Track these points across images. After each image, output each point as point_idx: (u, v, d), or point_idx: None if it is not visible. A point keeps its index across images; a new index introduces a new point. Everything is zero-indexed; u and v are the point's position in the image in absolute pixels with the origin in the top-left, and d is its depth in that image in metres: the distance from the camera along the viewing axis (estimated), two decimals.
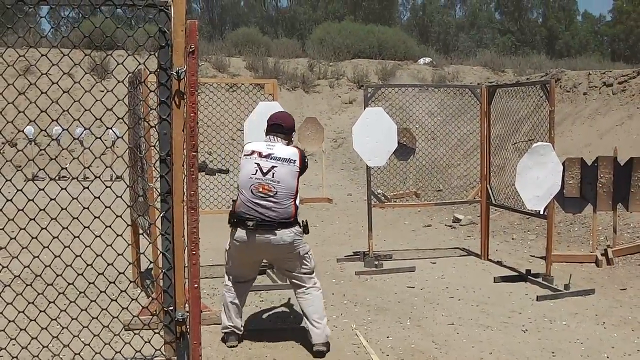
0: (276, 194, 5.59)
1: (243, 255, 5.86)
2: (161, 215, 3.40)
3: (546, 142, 8.03)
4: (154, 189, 5.03)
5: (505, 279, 8.43)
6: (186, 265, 3.39)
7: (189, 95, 3.25)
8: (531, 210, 8.29)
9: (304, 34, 46.10)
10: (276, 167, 5.63)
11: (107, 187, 3.50)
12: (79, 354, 3.95)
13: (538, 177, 7.69)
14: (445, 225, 12.42)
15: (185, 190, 3.36)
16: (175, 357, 3.52)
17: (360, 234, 11.04)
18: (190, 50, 3.24)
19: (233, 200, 5.93)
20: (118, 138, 14.45)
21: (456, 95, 14.88)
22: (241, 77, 25.01)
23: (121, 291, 3.85)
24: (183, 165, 3.36)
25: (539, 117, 9.41)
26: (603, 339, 6.35)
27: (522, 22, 68.99)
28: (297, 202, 5.77)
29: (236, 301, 6.01)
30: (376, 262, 9.01)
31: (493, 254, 9.79)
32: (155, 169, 3.71)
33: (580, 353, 5.99)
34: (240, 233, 5.66)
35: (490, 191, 9.57)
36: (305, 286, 5.91)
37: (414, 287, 8.13)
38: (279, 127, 5.92)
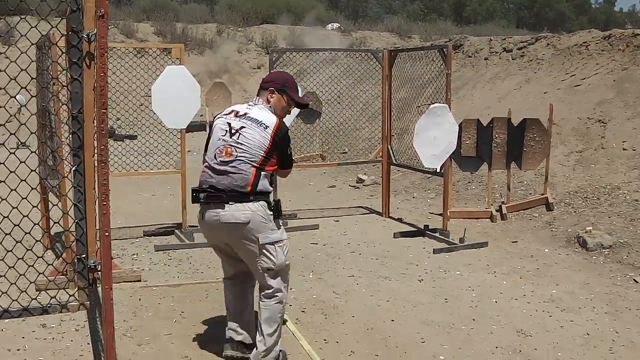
0: (236, 158, 4.42)
1: (208, 239, 4.91)
2: (73, 168, 3.57)
3: (445, 104, 8.42)
4: (66, 145, 5.14)
5: (405, 234, 8.83)
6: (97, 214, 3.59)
7: (98, 56, 3.39)
8: (429, 168, 8.68)
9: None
10: (245, 127, 4.49)
11: (11, 153, 3.63)
12: None
13: (435, 137, 8.06)
14: (350, 185, 12.78)
15: (95, 145, 3.54)
16: (88, 302, 3.72)
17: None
18: (100, 14, 3.38)
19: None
20: (22, 106, 14.25)
21: (362, 60, 15.13)
22: (148, 42, 24.77)
23: (27, 249, 3.92)
24: (93, 122, 3.54)
25: (441, 81, 9.78)
26: (493, 286, 6.80)
27: None
28: (265, 175, 4.44)
29: (230, 305, 4.99)
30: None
31: (394, 212, 10.19)
32: (67, 126, 3.86)
33: (471, 299, 6.42)
34: (199, 210, 4.61)
35: (390, 151, 9.94)
36: (264, 290, 4.66)
37: (317, 244, 8.45)
38: (266, 83, 4.75)
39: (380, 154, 10.23)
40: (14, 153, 3.62)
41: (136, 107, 10.62)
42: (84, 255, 3.64)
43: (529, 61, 15.25)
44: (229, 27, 28.54)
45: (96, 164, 3.51)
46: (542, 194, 9.82)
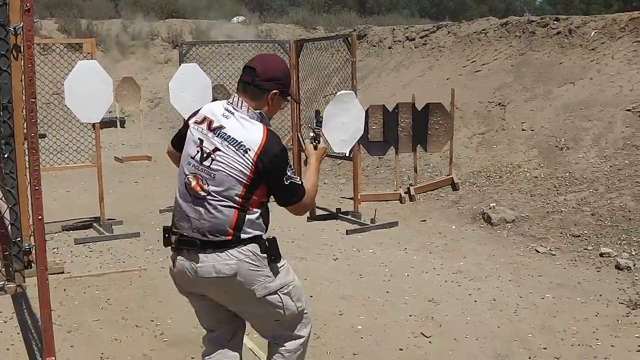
0: (208, 194, 3.23)
1: (179, 290, 3.58)
2: (5, 156, 3.72)
3: (351, 90, 8.74)
4: None
5: (318, 218, 9.13)
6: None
7: (26, 48, 3.53)
8: (338, 153, 8.98)
9: None
10: (219, 150, 3.24)
11: None
12: None
13: (343, 123, 8.36)
14: None
15: (25, 132, 3.69)
16: (25, 284, 3.88)
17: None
18: (26, 8, 3.53)
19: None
20: None
21: (270, 51, 15.39)
22: (57, 38, 24.42)
23: None
24: (23, 111, 3.70)
25: (347, 69, 10.10)
26: (404, 262, 7.16)
27: None
28: (251, 216, 3.24)
29: None
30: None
31: None
32: None
33: (384, 274, 6.76)
34: (173, 255, 3.42)
35: (300, 139, 10.21)
36: (278, 339, 3.58)
37: None
38: (252, 70, 3.31)
39: (291, 142, 10.50)
40: None
41: (44, 105, 10.63)
42: (19, 239, 3.78)
43: (431, 49, 15.77)
44: (134, 23, 28.33)
45: (27, 151, 3.67)
46: (448, 175, 10.27)
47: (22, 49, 3.59)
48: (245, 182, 3.20)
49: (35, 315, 5.33)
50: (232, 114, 3.30)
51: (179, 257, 3.34)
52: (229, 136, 3.24)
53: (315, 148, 3.63)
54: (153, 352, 5.06)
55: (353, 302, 5.95)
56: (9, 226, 3.77)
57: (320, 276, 6.66)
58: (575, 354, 4.98)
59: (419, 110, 9.94)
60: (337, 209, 9.32)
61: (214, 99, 11.33)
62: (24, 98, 3.65)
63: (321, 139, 3.69)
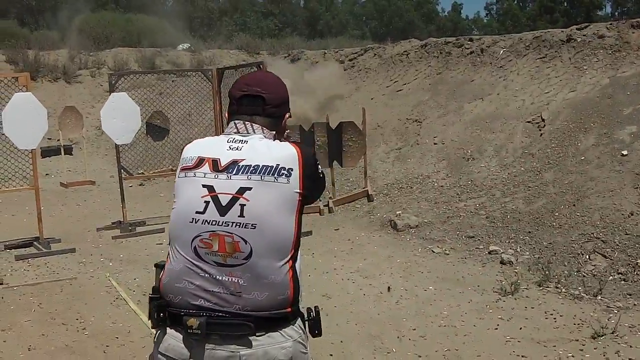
0: (250, 255, 2.44)
1: None
2: None
3: None
4: None
5: None
6: None
7: None
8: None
9: (66, 25, 45.79)
10: (250, 189, 2.48)
11: None
12: None
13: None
14: None
15: None
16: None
17: (118, 209, 12.10)
18: None
19: (156, 265, 2.72)
20: None
21: (194, 79, 16.11)
22: (1, 72, 24.97)
23: None
24: None
25: None
26: (309, 264, 7.90)
27: (283, 5, 71.48)
28: (299, 266, 2.59)
29: None
30: (130, 228, 10.18)
31: None
32: None
33: None
34: (173, 342, 2.52)
35: None
36: None
37: (162, 244, 9.34)
38: (257, 99, 2.69)
39: None
40: None
41: None
42: None
43: (358, 71, 16.66)
44: (81, 52, 28.92)
45: None
46: (364, 188, 11.07)
47: None
48: (295, 212, 2.52)
49: None
50: (245, 142, 2.59)
51: (208, 347, 2.45)
52: (258, 165, 2.50)
53: None
54: (74, 342, 5.87)
55: (333, 302, 6.71)
56: None
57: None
58: (440, 333, 5.82)
59: (333, 128, 10.76)
60: None
61: (151, 125, 12.19)
62: None
63: None
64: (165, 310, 2.53)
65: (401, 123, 13.02)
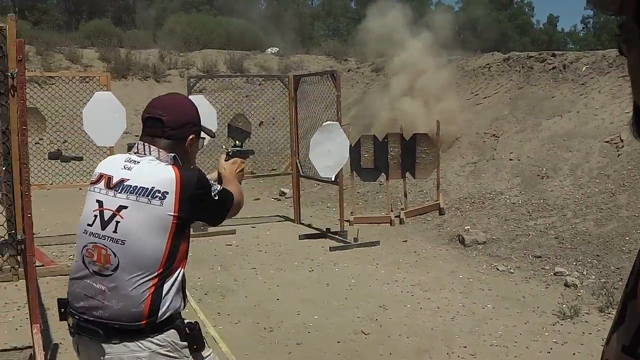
0: (117, 268, 2.67)
1: None
2: (3, 168, 4.80)
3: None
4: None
5: (309, 236, 10.03)
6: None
7: (19, 88, 4.70)
8: (325, 177, 9.88)
9: (160, 24, 46.87)
10: (126, 207, 2.71)
11: None
12: None
13: (329, 150, 9.28)
14: (273, 198, 13.96)
15: (19, 151, 4.77)
16: (18, 266, 4.95)
17: None
18: (19, 59, 4.67)
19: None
20: None
21: (271, 85, 16.31)
22: (94, 69, 25.82)
23: None
24: (18, 135, 4.76)
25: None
26: (371, 274, 8.04)
27: None
28: (171, 286, 2.72)
29: None
30: (202, 227, 10.42)
31: (307, 220, 11.38)
32: None
33: (349, 283, 7.65)
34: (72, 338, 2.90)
35: (298, 165, 11.15)
36: None
37: (231, 245, 9.61)
38: (157, 122, 2.86)
39: (290, 168, 11.44)
40: None
41: (81, 129, 11.69)
42: (13, 232, 4.86)
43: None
44: (171, 52, 29.61)
45: (20, 165, 4.74)
46: (436, 201, 11.08)
47: (16, 89, 4.71)
48: (168, 235, 2.68)
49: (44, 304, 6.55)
50: (138, 162, 2.78)
51: (80, 345, 2.81)
52: (136, 187, 2.70)
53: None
54: None
55: (312, 305, 6.86)
56: (5, 222, 4.84)
57: (290, 283, 7.59)
58: (491, 352, 5.81)
59: (407, 140, 10.81)
60: (326, 228, 10.19)
61: (234, 129, 12.36)
62: (18, 126, 4.74)
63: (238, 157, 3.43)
64: (65, 307, 2.84)
65: (479, 137, 12.97)
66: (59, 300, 2.90)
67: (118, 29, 36.58)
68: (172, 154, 2.84)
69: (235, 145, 3.53)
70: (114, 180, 2.75)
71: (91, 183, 2.85)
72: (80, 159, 13.86)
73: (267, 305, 6.86)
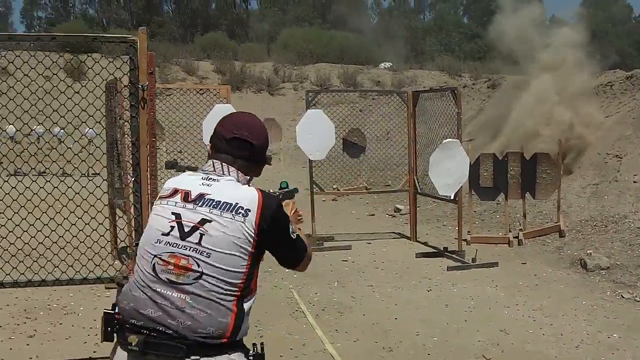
0: (200, 277, 2.65)
1: None
2: (132, 179, 4.92)
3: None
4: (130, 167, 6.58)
5: (426, 254, 9.94)
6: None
7: (149, 101, 4.84)
8: (444, 195, 9.77)
9: (273, 37, 47.53)
10: (210, 221, 2.71)
11: (83, 177, 5.00)
12: None
13: (448, 168, 9.19)
14: (387, 214, 13.90)
15: (147, 162, 4.89)
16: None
17: (309, 220, 12.47)
18: (150, 72, 4.80)
19: (117, 284, 3.18)
20: (97, 135, 15.76)
21: (389, 100, 16.31)
22: (209, 81, 26.38)
23: (95, 253, 5.30)
24: (147, 146, 4.88)
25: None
26: (491, 297, 7.88)
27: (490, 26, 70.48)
28: (248, 307, 2.80)
29: None
30: (317, 242, 10.47)
31: (423, 237, 11.28)
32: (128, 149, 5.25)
33: (468, 305, 7.52)
34: (120, 356, 2.73)
35: (416, 182, 11.07)
36: None
37: (347, 261, 9.61)
38: (246, 144, 2.89)
39: (407, 184, 11.37)
40: (90, 180, 4.98)
41: (198, 140, 11.94)
42: (137, 243, 5.00)
43: None
44: (285, 66, 30.02)
45: (148, 176, 4.86)
46: (556, 222, 10.81)
47: (146, 101, 4.84)
48: (248, 253, 2.71)
49: None
50: (216, 180, 2.81)
51: None
52: (219, 201, 2.72)
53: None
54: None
55: (431, 326, 6.77)
56: (133, 232, 4.96)
57: (408, 302, 7.52)
58: None
59: (527, 159, 10.59)
60: (444, 247, 10.07)
61: (348, 142, 12.44)
62: (147, 137, 4.87)
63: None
64: (114, 325, 2.74)
65: (600, 157, 12.59)
66: (107, 315, 2.78)
67: (233, 42, 37.32)
68: (248, 177, 2.90)
69: (281, 187, 3.47)
70: (193, 195, 2.77)
71: (162, 197, 2.84)
72: (195, 169, 14.14)
73: (386, 324, 6.81)
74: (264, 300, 7.55)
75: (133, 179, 4.97)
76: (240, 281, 2.69)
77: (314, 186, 11.02)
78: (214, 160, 2.86)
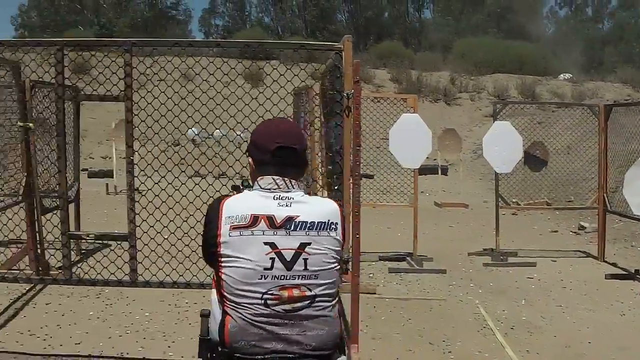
0: (314, 299, 2.77)
1: None
2: (335, 187, 5.03)
3: None
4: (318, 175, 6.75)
5: (616, 276, 9.54)
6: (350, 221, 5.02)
7: (354, 109, 4.94)
8: (638, 215, 9.37)
9: (447, 46, 47.18)
10: (309, 243, 2.77)
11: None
12: None
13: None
14: (571, 231, 13.48)
15: (351, 170, 5.00)
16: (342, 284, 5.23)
17: (490, 235, 12.25)
18: (356, 80, 4.89)
19: (202, 314, 2.90)
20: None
21: (579, 114, 15.74)
22: (386, 92, 26.53)
23: None
24: (350, 155, 4.99)
25: None
26: None
27: None
28: (341, 312, 3.23)
29: None
30: (501, 257, 10.30)
31: (611, 258, 10.86)
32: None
33: None
34: None
35: (606, 199, 10.67)
36: None
37: (532, 278, 9.41)
38: (290, 151, 2.86)
39: (596, 202, 10.98)
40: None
41: (374, 148, 12.05)
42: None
43: None
44: (462, 76, 29.75)
45: (351, 184, 4.94)
46: None
47: (351, 110, 4.93)
48: (337, 261, 2.85)
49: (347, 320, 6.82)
50: (291, 199, 2.81)
51: None
52: (313, 222, 2.77)
53: None
54: None
55: (629, 354, 6.51)
56: None
57: (603, 327, 7.26)
58: None
59: None
60: (635, 270, 9.65)
61: (530, 155, 12.17)
62: (351, 146, 4.95)
63: None
64: (218, 354, 2.79)
65: None
66: (204, 341, 2.85)
67: (409, 50, 37.38)
68: (302, 181, 2.95)
69: (243, 185, 3.33)
70: (279, 220, 2.73)
71: (241, 227, 2.72)
72: (371, 176, 14.24)
73: (579, 348, 6.61)
74: (449, 314, 7.56)
75: (335, 187, 5.08)
76: (336, 289, 2.86)
77: (500, 199, 10.85)
78: (274, 177, 2.82)
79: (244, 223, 2.71)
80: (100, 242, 9.03)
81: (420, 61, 32.73)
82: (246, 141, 3.07)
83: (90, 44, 5.44)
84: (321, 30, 54.24)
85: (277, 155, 2.82)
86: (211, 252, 2.75)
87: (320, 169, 7.38)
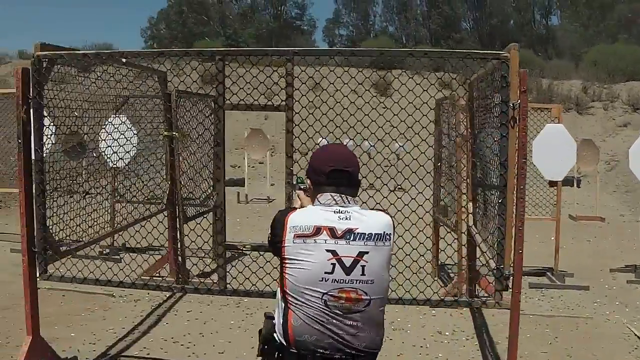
0: (370, 302, 3.16)
1: None
2: (499, 201, 4.83)
3: None
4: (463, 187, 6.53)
5: None
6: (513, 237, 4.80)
7: (521, 120, 4.71)
8: None
9: (575, 54, 45.81)
10: (366, 252, 3.15)
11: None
12: None
13: None
14: None
15: (515, 184, 4.83)
16: (501, 301, 5.06)
17: (631, 250, 11.72)
18: (523, 90, 4.68)
19: (267, 316, 3.39)
20: (407, 153, 15.99)
21: None
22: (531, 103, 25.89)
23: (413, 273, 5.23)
24: (515, 168, 4.82)
25: None
26: None
27: None
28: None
29: None
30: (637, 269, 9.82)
31: None
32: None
33: None
34: None
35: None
36: None
37: None
38: (345, 174, 3.29)
39: None
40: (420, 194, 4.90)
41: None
42: (501, 266, 4.99)
43: None
44: (595, 84, 28.74)
45: (515, 199, 4.70)
46: None
47: (517, 120, 4.71)
48: (389, 268, 3.27)
49: (492, 336, 6.57)
50: (349, 212, 3.19)
51: None
52: (371, 234, 3.16)
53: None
54: None
55: None
56: (496, 255, 4.90)
57: None
58: None
59: None
60: None
61: None
62: (516, 159, 4.72)
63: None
64: (280, 349, 3.22)
65: None
66: (267, 339, 3.29)
67: (539, 57, 36.47)
68: (356, 198, 3.34)
69: (297, 182, 4.13)
70: (339, 231, 3.13)
71: (304, 236, 3.12)
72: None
73: None
74: (597, 333, 7.24)
75: (499, 201, 4.88)
76: (386, 296, 3.29)
77: None
78: (332, 194, 3.24)
79: (308, 232, 3.12)
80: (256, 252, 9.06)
81: (551, 69, 31.86)
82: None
83: (252, 53, 5.31)
84: (446, 38, 53.79)
85: (331, 177, 3.25)
86: (276, 254, 3.21)
87: (466, 180, 7.17)
